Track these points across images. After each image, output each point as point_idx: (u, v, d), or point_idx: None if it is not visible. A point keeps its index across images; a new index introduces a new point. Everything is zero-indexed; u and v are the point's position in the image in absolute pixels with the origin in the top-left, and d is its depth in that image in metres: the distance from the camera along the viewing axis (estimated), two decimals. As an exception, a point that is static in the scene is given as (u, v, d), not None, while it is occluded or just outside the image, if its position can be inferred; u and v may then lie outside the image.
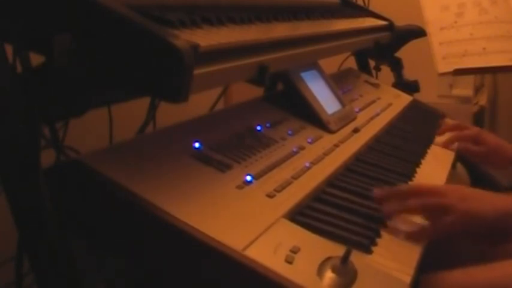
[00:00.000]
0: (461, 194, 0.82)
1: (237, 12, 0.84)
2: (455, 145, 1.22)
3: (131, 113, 1.09)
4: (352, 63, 1.69)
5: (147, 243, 0.64)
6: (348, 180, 0.88)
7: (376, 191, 0.82)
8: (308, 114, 1.03)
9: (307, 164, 0.86)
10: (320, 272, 0.61)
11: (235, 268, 0.59)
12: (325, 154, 0.93)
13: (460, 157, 1.25)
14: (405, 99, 1.49)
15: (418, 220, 0.81)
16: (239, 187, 0.72)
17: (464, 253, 0.99)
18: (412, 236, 0.77)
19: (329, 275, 0.61)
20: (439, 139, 1.25)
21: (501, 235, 0.80)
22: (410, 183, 0.96)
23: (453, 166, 1.18)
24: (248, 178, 0.75)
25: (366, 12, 1.54)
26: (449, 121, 1.41)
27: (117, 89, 0.72)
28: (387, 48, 1.58)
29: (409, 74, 1.68)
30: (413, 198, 0.81)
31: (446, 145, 1.23)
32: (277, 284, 0.58)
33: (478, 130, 1.25)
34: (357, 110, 1.22)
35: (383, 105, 1.34)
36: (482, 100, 2.08)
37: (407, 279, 0.66)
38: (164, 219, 0.62)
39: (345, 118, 1.12)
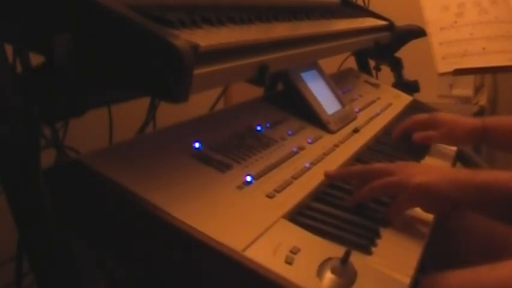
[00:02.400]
0: (410, 169, 0.82)
1: (237, 12, 0.83)
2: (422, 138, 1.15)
3: (131, 113, 1.09)
4: (352, 63, 1.69)
5: (146, 243, 0.64)
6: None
7: (327, 172, 0.84)
8: (308, 114, 1.03)
9: (307, 164, 0.86)
10: (320, 272, 0.61)
11: (235, 269, 0.59)
12: (325, 154, 0.93)
13: (460, 157, 1.25)
14: (405, 99, 1.49)
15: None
16: (239, 187, 0.73)
17: (467, 252, 0.99)
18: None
19: (329, 275, 0.61)
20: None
21: (454, 205, 0.80)
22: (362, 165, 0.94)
23: (453, 166, 1.18)
24: (248, 178, 0.75)
25: (366, 12, 1.54)
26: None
27: (117, 89, 0.72)
28: (387, 48, 1.58)
29: (409, 74, 1.68)
30: (362, 184, 0.81)
31: (396, 132, 1.17)
32: (277, 285, 0.58)
33: (429, 115, 1.18)
34: (356, 110, 1.22)
35: (383, 105, 1.34)
36: (482, 100, 2.08)
37: (407, 280, 0.66)
38: (164, 219, 0.62)
39: (345, 118, 1.12)
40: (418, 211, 0.82)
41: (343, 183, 0.86)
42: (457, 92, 2.72)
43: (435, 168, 0.89)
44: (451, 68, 1.66)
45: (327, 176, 0.84)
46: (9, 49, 0.63)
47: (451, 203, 0.79)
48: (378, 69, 1.71)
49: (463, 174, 0.82)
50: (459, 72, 1.67)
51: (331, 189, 0.84)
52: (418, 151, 1.14)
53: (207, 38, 0.68)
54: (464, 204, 0.80)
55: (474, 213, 0.86)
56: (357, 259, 0.64)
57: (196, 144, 0.78)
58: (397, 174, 0.81)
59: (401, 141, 1.16)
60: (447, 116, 1.15)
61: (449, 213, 0.87)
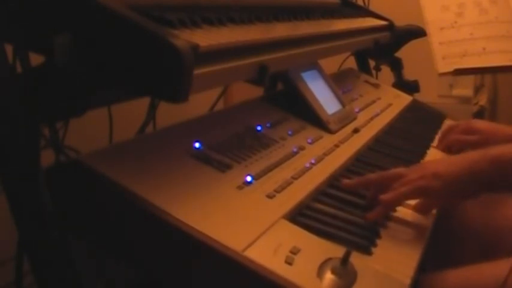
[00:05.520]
0: (426, 165, 0.84)
1: (237, 12, 0.83)
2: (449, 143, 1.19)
3: (131, 113, 1.09)
4: (352, 63, 1.69)
5: (146, 243, 0.64)
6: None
7: (345, 181, 0.84)
8: (308, 114, 1.03)
9: (307, 165, 0.86)
10: (320, 273, 0.61)
11: (235, 269, 0.59)
12: (325, 154, 0.93)
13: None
14: (405, 99, 1.49)
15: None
16: (239, 187, 0.72)
17: (465, 251, 0.99)
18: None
19: (329, 276, 0.61)
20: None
21: (467, 187, 0.80)
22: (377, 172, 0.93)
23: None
24: (248, 179, 0.75)
25: (365, 12, 1.54)
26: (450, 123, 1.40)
27: (117, 89, 0.72)
28: (387, 48, 1.58)
29: (409, 74, 1.68)
30: (380, 191, 0.81)
31: (444, 151, 1.21)
32: (277, 285, 0.58)
33: (467, 122, 1.21)
34: (357, 110, 1.22)
35: (383, 105, 1.34)
36: (482, 100, 2.08)
37: (407, 280, 0.66)
38: (164, 220, 0.62)
39: (345, 118, 1.12)
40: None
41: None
42: (457, 92, 2.72)
43: (448, 157, 0.89)
44: (451, 68, 1.66)
45: (345, 185, 0.84)
46: (9, 49, 0.63)
47: (465, 185, 0.79)
48: (378, 69, 1.71)
49: (473, 153, 0.83)
50: (459, 72, 1.67)
51: (332, 190, 0.84)
52: (418, 151, 1.14)
53: (207, 38, 0.68)
54: (477, 182, 0.79)
55: (489, 193, 0.86)
56: (357, 259, 0.64)
57: (196, 144, 0.78)
58: (414, 175, 0.81)
59: (402, 140, 1.16)
60: (484, 124, 1.17)
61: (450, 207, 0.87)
